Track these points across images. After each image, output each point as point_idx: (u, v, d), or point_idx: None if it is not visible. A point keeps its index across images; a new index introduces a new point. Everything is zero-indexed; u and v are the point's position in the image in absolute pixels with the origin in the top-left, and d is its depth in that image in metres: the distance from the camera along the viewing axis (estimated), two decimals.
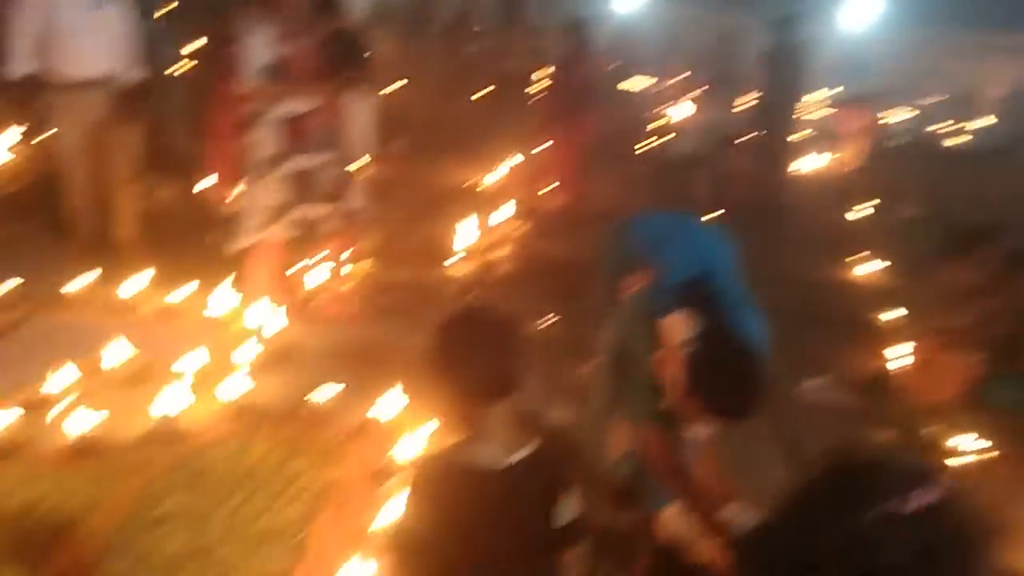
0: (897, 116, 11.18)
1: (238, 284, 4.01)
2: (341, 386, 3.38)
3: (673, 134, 8.28)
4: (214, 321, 3.90)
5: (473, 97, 9.69)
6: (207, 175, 4.62)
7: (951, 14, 11.80)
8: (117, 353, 3.46)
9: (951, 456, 3.23)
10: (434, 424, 3.03)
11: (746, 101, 8.38)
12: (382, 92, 6.21)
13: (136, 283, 4.03)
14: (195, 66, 6.18)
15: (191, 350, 3.50)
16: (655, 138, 8.33)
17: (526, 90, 8.86)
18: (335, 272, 4.23)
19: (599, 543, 2.40)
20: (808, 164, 8.36)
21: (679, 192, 6.43)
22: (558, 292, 4.46)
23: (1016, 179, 8.26)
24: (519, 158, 6.79)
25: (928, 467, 0.98)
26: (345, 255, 4.24)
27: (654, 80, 10.89)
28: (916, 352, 3.73)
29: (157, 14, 7.06)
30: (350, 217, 4.02)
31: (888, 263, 5.52)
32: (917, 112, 11.65)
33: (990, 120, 11.67)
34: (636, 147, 8.24)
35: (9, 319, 3.77)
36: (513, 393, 1.68)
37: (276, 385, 3.47)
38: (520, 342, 1.74)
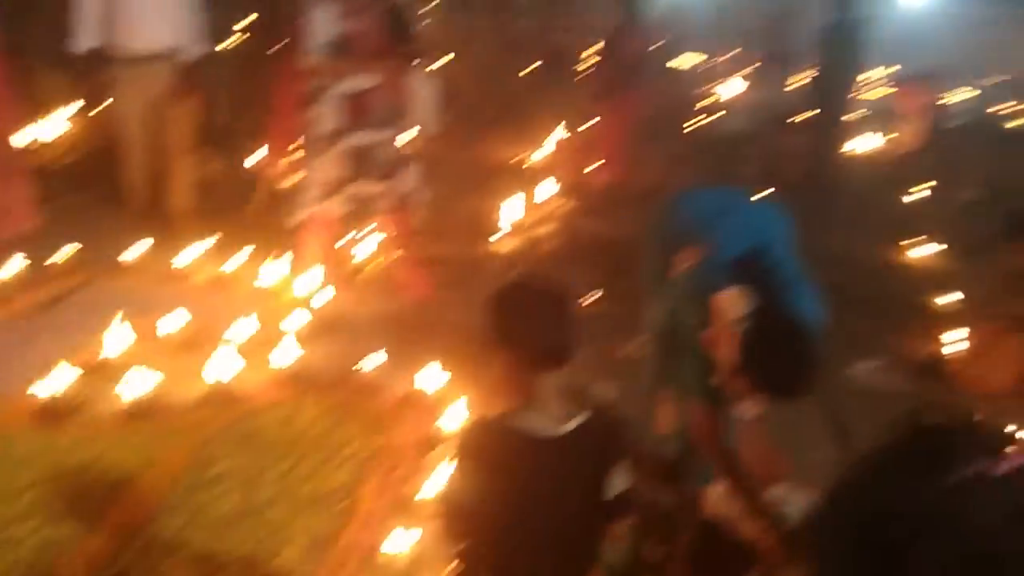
0: (957, 96, 10.83)
1: (290, 255, 4.06)
2: (388, 356, 3.41)
3: (723, 112, 8.14)
4: (265, 290, 3.97)
5: (520, 73, 9.63)
6: (265, 148, 4.69)
7: None
8: (171, 319, 3.54)
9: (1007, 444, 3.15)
10: (479, 396, 3.05)
11: (800, 79, 8.19)
12: (429, 68, 6.20)
13: (190, 252, 4.11)
14: (247, 40, 6.24)
15: (243, 318, 3.57)
16: (704, 116, 8.21)
17: (574, 66, 8.77)
18: (388, 248, 4.26)
19: (643, 518, 2.40)
20: (863, 144, 8.16)
21: (728, 171, 6.34)
22: (603, 269, 4.44)
23: None
24: (566, 134, 6.74)
25: (1013, 433, 0.95)
26: (398, 232, 4.24)
27: (704, 57, 10.70)
28: (972, 338, 3.64)
29: None
30: (405, 195, 4.02)
31: (945, 246, 5.38)
32: (978, 92, 11.27)
33: None
34: (684, 125, 8.12)
35: (67, 285, 3.88)
36: (566, 363, 1.68)
37: (325, 354, 3.52)
38: (574, 312, 1.74)
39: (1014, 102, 11.22)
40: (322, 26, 3.61)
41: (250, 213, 4.43)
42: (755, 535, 2.34)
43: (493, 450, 1.66)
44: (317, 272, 3.97)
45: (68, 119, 5.43)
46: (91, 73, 4.52)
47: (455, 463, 1.71)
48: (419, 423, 3.11)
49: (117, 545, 2.49)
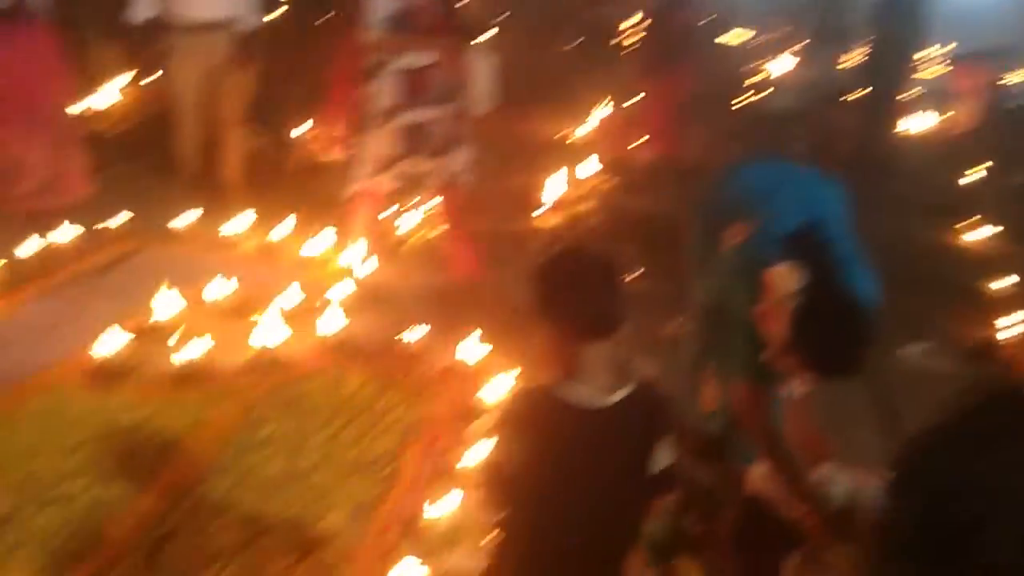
0: (1016, 76, 10.46)
1: (338, 227, 4.09)
2: (431, 328, 3.43)
3: (771, 89, 7.98)
4: (312, 260, 4.01)
5: (565, 48, 9.53)
6: (320, 121, 4.71)
7: None
8: (220, 286, 3.60)
9: None
10: (523, 368, 3.06)
11: (853, 56, 7.99)
12: (484, 45, 6.17)
13: (239, 221, 4.17)
14: (292, 12, 6.26)
15: (289, 286, 3.61)
16: (752, 93, 8.05)
17: (619, 41, 8.66)
18: (435, 223, 4.26)
19: (685, 495, 2.39)
20: (917, 124, 7.94)
21: (776, 149, 6.21)
22: (646, 247, 4.40)
23: None
24: (610, 110, 6.67)
25: None
26: (447, 209, 4.23)
27: (753, 33, 10.48)
28: None
29: None
30: (456, 173, 4.01)
31: (1000, 229, 5.23)
32: None
33: None
34: (732, 102, 7.98)
35: (120, 251, 3.96)
36: (613, 333, 1.66)
37: (370, 324, 3.55)
38: (622, 282, 1.72)
39: None
40: (382, 1, 3.61)
41: (292, 183, 4.46)
42: (798, 516, 2.32)
43: (537, 419, 1.65)
44: (363, 243, 4.00)
45: (121, 89, 5.52)
46: (146, 43, 4.57)
47: (499, 431, 1.70)
48: (461, 394, 3.13)
49: (166, 505, 2.56)
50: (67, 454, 2.71)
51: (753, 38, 10.42)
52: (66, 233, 3.90)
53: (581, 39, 9.62)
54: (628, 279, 4.08)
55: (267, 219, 4.22)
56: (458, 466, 2.75)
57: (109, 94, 5.43)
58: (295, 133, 5.37)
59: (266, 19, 6.23)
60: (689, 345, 2.92)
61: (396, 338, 3.40)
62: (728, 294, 2.39)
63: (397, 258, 4.19)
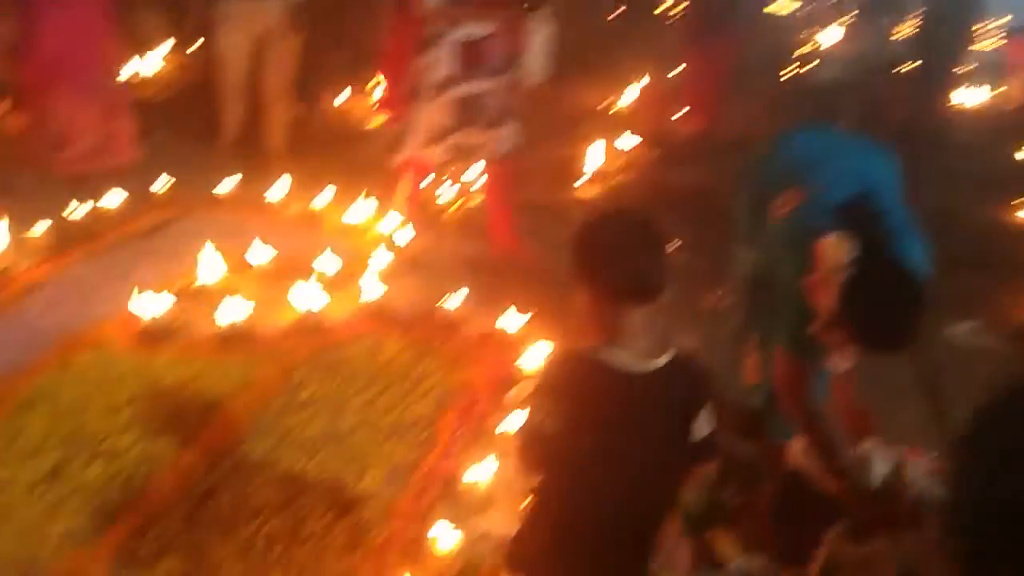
0: None
1: (380, 195, 4.10)
2: (470, 296, 3.44)
3: (818, 61, 7.79)
4: (353, 227, 4.02)
5: (608, 17, 9.39)
6: (361, 89, 4.66)
7: None
8: (262, 251, 3.64)
9: None
10: (562, 335, 3.05)
11: (905, 28, 7.75)
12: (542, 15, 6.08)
13: (282, 187, 4.20)
14: None
15: (331, 252, 3.64)
16: (799, 64, 7.87)
17: (662, 10, 8.50)
18: (480, 194, 4.24)
19: (723, 467, 2.37)
20: (971, 97, 7.71)
21: (823, 121, 6.07)
22: (686, 219, 4.34)
23: None
24: (652, 81, 6.57)
25: None
26: (494, 181, 4.20)
27: (801, 3, 10.22)
28: None
29: None
30: (506, 145, 3.96)
31: None
32: None
33: None
34: (778, 73, 7.81)
35: (165, 215, 4.01)
36: (656, 298, 1.64)
37: (410, 291, 3.57)
38: (664, 245, 1.69)
39: None
40: None
41: (332, 150, 4.46)
42: (836, 491, 2.29)
43: (577, 383, 1.64)
44: (405, 212, 4.00)
45: (167, 55, 5.56)
46: (195, 10, 4.58)
47: (537, 394, 1.68)
48: (499, 361, 3.14)
49: (208, 462, 2.62)
50: (114, 411, 2.78)
51: (801, 8, 10.17)
52: (112, 197, 3.96)
53: (623, 8, 9.47)
54: (668, 250, 4.07)
55: (308, 186, 4.24)
56: (496, 432, 2.77)
57: (155, 60, 5.48)
58: (336, 101, 5.38)
59: None
60: (731, 318, 2.89)
61: (435, 306, 3.41)
62: (776, 265, 2.35)
63: (438, 226, 4.18)
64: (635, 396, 1.63)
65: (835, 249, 2.03)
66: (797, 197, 2.30)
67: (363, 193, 4.14)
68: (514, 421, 2.72)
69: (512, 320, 3.32)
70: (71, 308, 3.26)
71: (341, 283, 3.51)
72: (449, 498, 2.56)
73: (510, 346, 3.20)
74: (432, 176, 4.24)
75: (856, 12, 8.98)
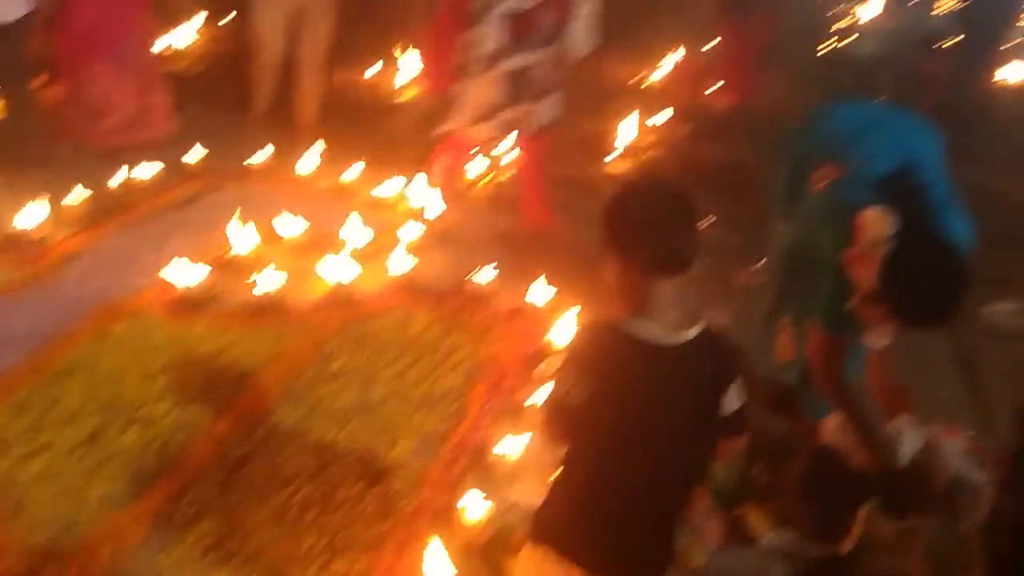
0: None
1: (416, 168, 4.09)
2: (500, 270, 3.43)
3: (857, 35, 7.61)
4: (385, 200, 4.02)
5: None
6: (393, 62, 4.60)
7: None
8: (294, 223, 3.66)
9: None
10: (592, 308, 3.04)
11: (947, 1, 7.54)
12: None
13: (314, 160, 4.21)
14: None
15: (362, 225, 3.65)
16: (836, 38, 7.70)
17: None
18: (515, 168, 4.22)
19: (755, 444, 2.36)
20: (1016, 73, 7.50)
21: (861, 96, 5.94)
22: (719, 195, 4.28)
23: None
24: (686, 55, 6.47)
25: None
26: (532, 156, 4.12)
27: None
28: None
29: None
30: (548, 118, 3.91)
31: None
32: None
33: None
34: (815, 47, 7.65)
35: (198, 187, 4.05)
36: (686, 270, 1.61)
37: (440, 264, 3.57)
38: (696, 217, 1.67)
39: None
40: None
41: (365, 123, 4.44)
42: (869, 468, 2.27)
43: (605, 354, 1.63)
44: (441, 185, 3.99)
45: (201, 28, 5.59)
46: None
47: (565, 365, 1.68)
48: (528, 335, 3.14)
49: (242, 431, 2.66)
50: (150, 378, 2.83)
51: None
52: (147, 169, 4.00)
53: None
54: (700, 226, 4.03)
55: (340, 159, 4.25)
56: (525, 404, 2.77)
57: (188, 33, 5.51)
58: (368, 74, 5.37)
59: None
60: (764, 294, 2.85)
61: (465, 279, 3.42)
62: (815, 239, 2.30)
63: (468, 200, 4.17)
64: (664, 368, 1.62)
65: (876, 223, 1.99)
66: (837, 170, 2.25)
67: (395, 166, 4.14)
68: (543, 394, 2.72)
69: (542, 294, 3.31)
70: (107, 278, 3.31)
71: (373, 255, 3.53)
72: (479, 469, 2.58)
73: (539, 320, 3.20)
74: (476, 151, 4.20)
75: None
